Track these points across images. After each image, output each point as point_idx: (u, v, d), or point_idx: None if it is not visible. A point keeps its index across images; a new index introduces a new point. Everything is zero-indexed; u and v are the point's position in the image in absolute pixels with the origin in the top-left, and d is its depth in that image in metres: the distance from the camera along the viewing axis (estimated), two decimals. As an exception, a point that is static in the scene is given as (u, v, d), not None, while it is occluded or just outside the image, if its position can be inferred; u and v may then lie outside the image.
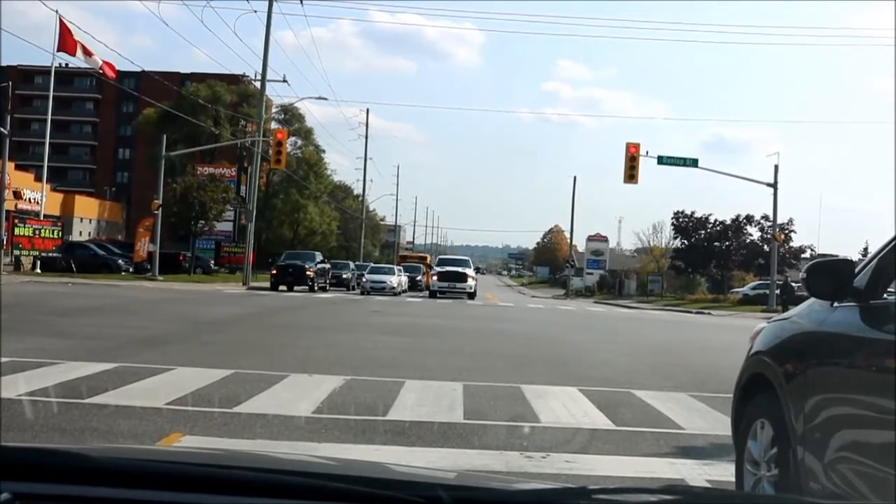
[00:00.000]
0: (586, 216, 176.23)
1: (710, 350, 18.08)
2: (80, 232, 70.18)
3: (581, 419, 7.96)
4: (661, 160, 39.51)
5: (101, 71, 38.52)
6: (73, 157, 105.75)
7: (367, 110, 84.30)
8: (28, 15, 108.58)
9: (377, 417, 7.59)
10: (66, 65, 79.33)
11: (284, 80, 45.83)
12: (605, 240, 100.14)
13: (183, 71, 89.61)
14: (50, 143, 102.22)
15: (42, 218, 42.76)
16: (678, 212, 64.43)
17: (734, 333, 25.14)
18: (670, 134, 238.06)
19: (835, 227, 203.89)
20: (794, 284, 38.70)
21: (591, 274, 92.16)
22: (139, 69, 66.60)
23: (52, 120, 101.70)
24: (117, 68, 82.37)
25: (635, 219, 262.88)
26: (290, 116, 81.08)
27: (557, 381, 10.60)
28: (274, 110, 79.81)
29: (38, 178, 71.27)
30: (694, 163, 40.20)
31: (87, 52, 39.42)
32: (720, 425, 7.92)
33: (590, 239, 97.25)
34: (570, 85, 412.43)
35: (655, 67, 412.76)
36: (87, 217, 74.55)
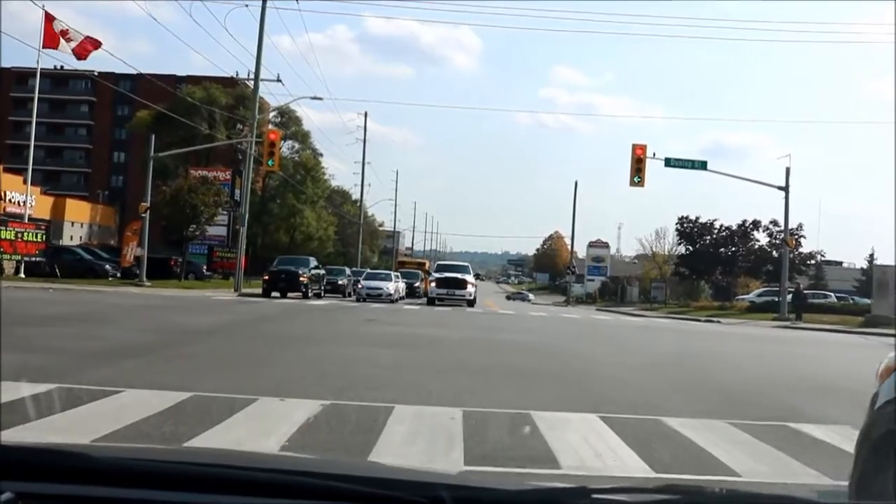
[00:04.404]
0: (584, 222, 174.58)
1: (732, 363, 16.62)
2: (72, 236, 68.67)
3: (609, 462, 6.45)
4: (669, 162, 38.11)
5: (78, 54, 36.59)
6: (67, 160, 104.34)
7: (366, 113, 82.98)
8: (24, 18, 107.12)
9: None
10: (62, 66, 78.12)
11: (278, 80, 44.57)
12: (606, 246, 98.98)
13: (179, 74, 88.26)
14: (44, 147, 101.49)
15: (27, 221, 41.19)
16: (682, 217, 63.00)
17: (751, 343, 23.73)
18: (668, 140, 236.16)
19: (834, 233, 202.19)
20: (806, 292, 37.37)
21: (593, 280, 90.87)
22: (134, 72, 65.49)
23: (46, 123, 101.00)
24: (114, 72, 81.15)
25: (634, 225, 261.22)
26: (287, 119, 79.66)
27: (573, 406, 9.11)
28: (271, 114, 78.32)
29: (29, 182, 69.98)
30: (703, 165, 38.80)
31: (65, 39, 37.79)
32: (782, 468, 6.46)
33: (591, 245, 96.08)
34: (567, 91, 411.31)
35: (652, 73, 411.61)
36: (79, 221, 73.03)
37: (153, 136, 42.89)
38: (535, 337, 20.89)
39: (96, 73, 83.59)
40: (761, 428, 8.28)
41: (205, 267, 55.54)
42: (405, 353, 14.13)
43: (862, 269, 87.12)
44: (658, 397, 10.35)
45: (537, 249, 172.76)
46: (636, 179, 36.62)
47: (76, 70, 76.36)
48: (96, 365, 10.44)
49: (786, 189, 39.61)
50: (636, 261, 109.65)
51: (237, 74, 45.81)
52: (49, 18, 38.18)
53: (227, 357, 12.39)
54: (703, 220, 61.74)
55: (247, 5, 40.23)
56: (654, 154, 37.50)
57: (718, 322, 38.29)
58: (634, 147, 36.93)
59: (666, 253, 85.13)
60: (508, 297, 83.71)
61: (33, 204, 58.43)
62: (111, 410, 7.44)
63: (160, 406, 7.74)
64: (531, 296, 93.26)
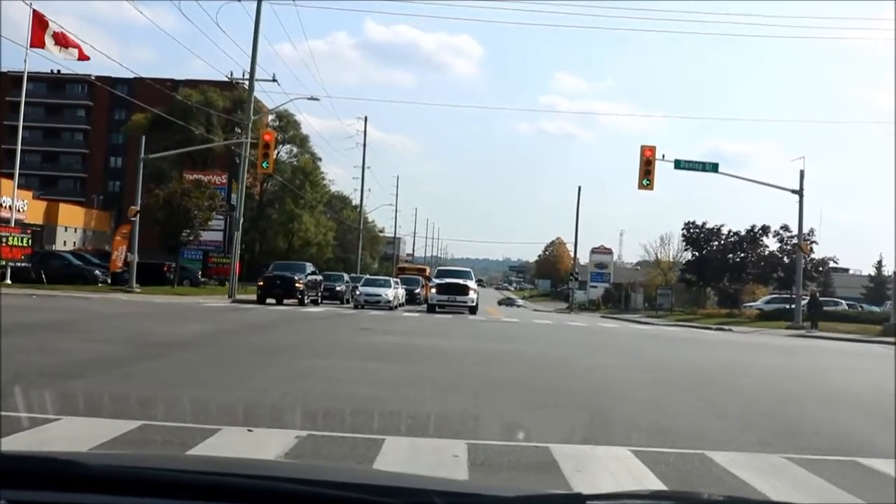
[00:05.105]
0: (585, 229, 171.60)
1: (761, 378, 15.14)
2: (65, 241, 67.29)
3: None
4: (679, 164, 36.65)
5: (77, 57, 35.42)
6: (63, 165, 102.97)
7: (366, 118, 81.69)
8: (22, 23, 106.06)
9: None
10: (59, 71, 76.71)
11: (274, 80, 43.42)
12: (609, 252, 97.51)
13: (177, 78, 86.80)
14: (41, 152, 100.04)
15: (13, 225, 39.72)
16: (689, 222, 61.57)
17: (773, 354, 22.19)
18: (669, 148, 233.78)
19: (836, 239, 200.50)
20: (822, 299, 35.89)
21: (596, 287, 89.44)
22: (132, 76, 64.10)
23: (43, 127, 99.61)
24: (111, 76, 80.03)
25: (635, 231, 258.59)
26: (286, 123, 78.18)
27: (598, 435, 7.66)
28: (269, 117, 76.83)
29: (22, 186, 68.37)
30: (714, 167, 37.33)
31: (63, 44, 36.56)
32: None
33: (594, 251, 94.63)
34: (567, 97, 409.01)
35: (652, 79, 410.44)
36: (73, 226, 71.56)
37: (144, 138, 41.48)
38: (543, 347, 19.41)
39: (93, 77, 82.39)
40: (828, 465, 6.84)
41: (200, 273, 54.11)
42: (401, 368, 12.67)
43: (869, 275, 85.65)
44: (694, 423, 8.90)
45: (539, 256, 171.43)
46: (645, 182, 35.13)
47: (73, 73, 75.14)
48: (38, 384, 8.95)
49: (800, 192, 38.12)
50: (638, 267, 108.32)
51: (231, 75, 44.18)
52: (38, 24, 36.89)
53: (197, 374, 10.89)
54: (709, 225, 60.36)
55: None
56: (663, 156, 36.10)
57: (730, 330, 36.79)
58: (643, 149, 35.47)
59: (671, 259, 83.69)
60: (500, 303, 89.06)
61: (25, 209, 57.04)
62: (28, 447, 5.97)
63: (96, 440, 6.29)
64: (519, 301, 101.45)
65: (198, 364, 11.99)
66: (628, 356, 18.31)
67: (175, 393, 8.86)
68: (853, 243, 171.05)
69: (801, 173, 38.21)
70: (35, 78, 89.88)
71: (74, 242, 68.87)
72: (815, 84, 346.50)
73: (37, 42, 37.96)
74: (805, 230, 48.18)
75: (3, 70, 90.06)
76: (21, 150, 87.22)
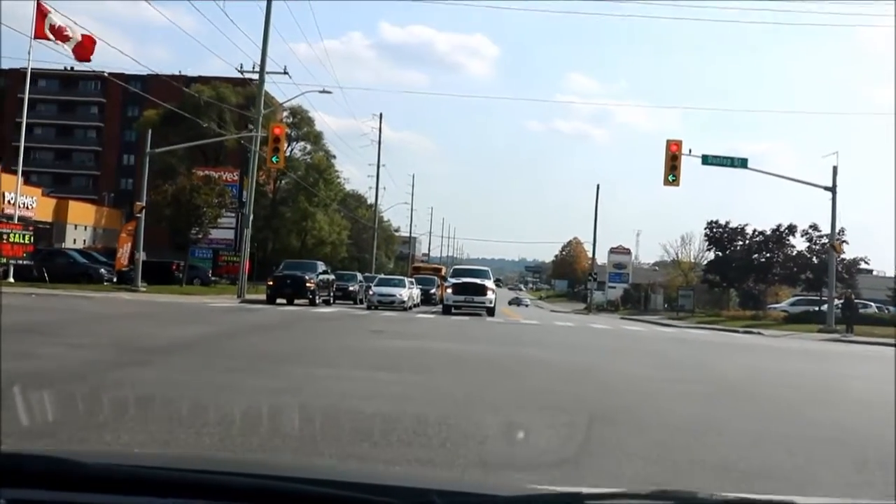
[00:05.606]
0: (600, 229, 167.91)
1: (814, 391, 13.57)
2: (75, 239, 66.29)
3: None
4: (706, 160, 35.05)
5: (75, 52, 34.14)
6: (76, 162, 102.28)
7: (381, 115, 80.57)
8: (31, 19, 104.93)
9: None
10: (72, 68, 75.70)
11: (285, 73, 42.17)
12: (627, 252, 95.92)
13: (190, 74, 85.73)
14: (53, 149, 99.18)
15: (16, 222, 38.52)
16: (712, 221, 59.93)
17: (817, 362, 20.53)
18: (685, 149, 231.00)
19: (856, 239, 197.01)
20: (858, 301, 34.20)
21: (614, 287, 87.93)
22: (145, 72, 63.09)
23: (55, 125, 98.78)
24: (124, 73, 79.08)
25: (651, 231, 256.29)
26: (299, 120, 76.95)
27: (649, 473, 6.16)
28: (284, 114, 75.53)
29: (34, 184, 67.49)
30: (743, 163, 35.69)
31: (61, 38, 35.35)
32: None
33: (612, 251, 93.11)
34: (581, 97, 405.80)
35: (666, 81, 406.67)
36: (83, 223, 70.55)
37: (150, 132, 40.26)
38: (569, 353, 17.90)
39: (106, 74, 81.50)
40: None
41: (210, 271, 52.94)
42: (413, 380, 11.18)
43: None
44: (763, 454, 7.37)
45: (556, 256, 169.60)
46: (671, 178, 33.60)
47: (86, 70, 74.14)
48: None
49: (833, 189, 36.43)
50: (656, 268, 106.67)
51: (241, 67, 42.82)
52: (40, 7, 35.71)
53: (174, 387, 9.34)
54: (733, 224, 58.66)
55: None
56: (689, 151, 34.50)
57: (759, 334, 35.13)
58: (669, 143, 33.94)
59: (692, 260, 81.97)
60: (510, 303, 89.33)
61: (34, 206, 56.03)
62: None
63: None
64: (527, 300, 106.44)
65: (180, 374, 10.50)
66: (661, 364, 16.74)
67: (137, 415, 7.39)
68: (873, 243, 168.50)
69: (835, 169, 36.55)
70: (47, 75, 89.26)
71: (84, 240, 67.86)
72: (828, 81, 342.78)
73: (39, 33, 36.81)
74: (838, 229, 46.45)
75: (17, 66, 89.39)
76: (33, 147, 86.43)
